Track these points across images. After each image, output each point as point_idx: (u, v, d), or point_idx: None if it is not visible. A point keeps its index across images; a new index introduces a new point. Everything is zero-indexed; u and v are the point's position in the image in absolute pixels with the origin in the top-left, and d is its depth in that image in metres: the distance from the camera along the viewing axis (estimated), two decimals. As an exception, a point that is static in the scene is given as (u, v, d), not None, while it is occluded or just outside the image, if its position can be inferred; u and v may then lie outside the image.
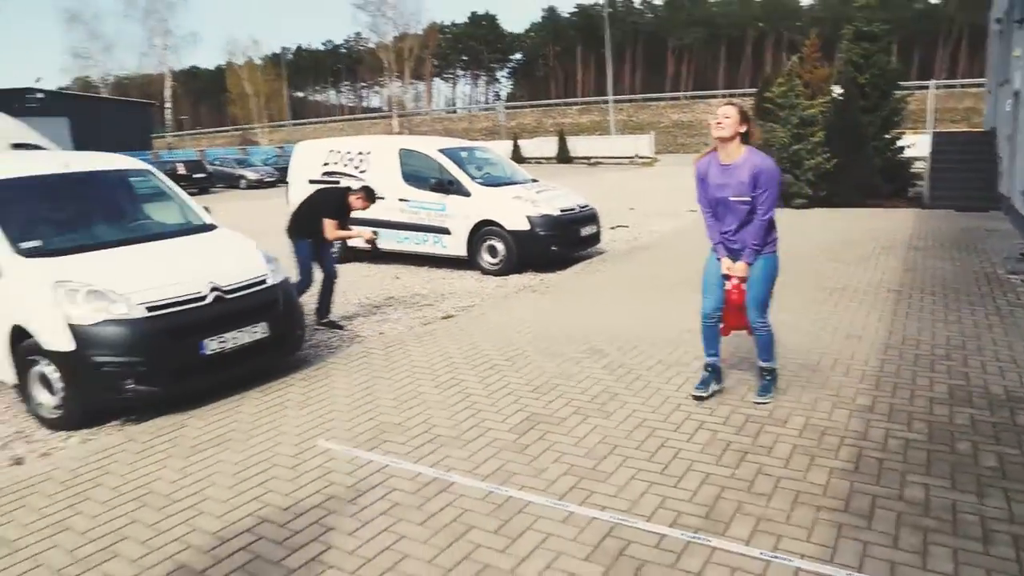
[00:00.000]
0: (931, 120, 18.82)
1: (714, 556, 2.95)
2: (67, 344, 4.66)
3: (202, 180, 29.72)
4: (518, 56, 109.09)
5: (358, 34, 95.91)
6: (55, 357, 4.72)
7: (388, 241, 10.23)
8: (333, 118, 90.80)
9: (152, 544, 3.30)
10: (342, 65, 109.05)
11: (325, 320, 7.19)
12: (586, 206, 10.44)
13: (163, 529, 3.43)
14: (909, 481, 3.48)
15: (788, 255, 9.07)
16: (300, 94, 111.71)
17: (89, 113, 41.92)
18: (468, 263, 9.83)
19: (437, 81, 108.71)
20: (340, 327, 7.14)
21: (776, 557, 2.91)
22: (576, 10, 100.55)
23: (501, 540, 3.17)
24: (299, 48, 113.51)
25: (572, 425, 4.38)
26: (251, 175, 32.27)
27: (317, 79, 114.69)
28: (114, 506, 3.68)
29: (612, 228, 13.30)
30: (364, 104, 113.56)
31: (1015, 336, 5.72)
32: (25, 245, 5.13)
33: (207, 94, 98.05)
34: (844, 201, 15.41)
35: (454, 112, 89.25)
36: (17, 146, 10.07)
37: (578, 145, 40.59)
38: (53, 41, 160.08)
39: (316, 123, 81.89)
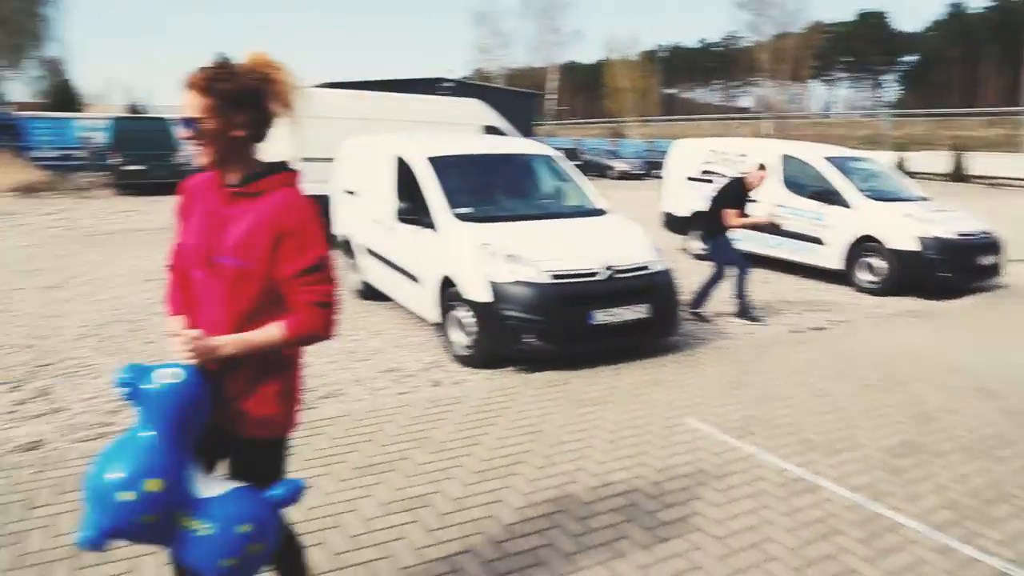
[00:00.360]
0: None
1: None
2: (485, 296, 5.57)
3: (577, 167, 32.07)
4: (911, 58, 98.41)
5: (735, 32, 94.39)
6: (473, 306, 5.66)
7: (761, 244, 10.20)
8: (702, 116, 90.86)
9: (546, 471, 3.90)
10: (715, 63, 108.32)
11: (697, 310, 7.49)
12: (988, 233, 9.35)
13: (553, 462, 4.02)
14: None
15: None
16: (671, 91, 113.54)
17: (486, 99, 47.29)
18: (841, 277, 9.42)
19: (814, 83, 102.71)
20: (707, 320, 7.39)
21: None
22: (992, 3, 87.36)
23: (867, 550, 3.20)
24: (675, 46, 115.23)
25: (956, 461, 4.14)
26: (620, 166, 33.94)
27: (690, 77, 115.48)
28: (513, 434, 4.38)
29: (1015, 260, 11.64)
30: (733, 103, 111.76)
31: None
32: (460, 211, 6.20)
33: (585, 87, 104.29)
34: None
35: (830, 117, 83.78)
36: (488, 129, 12.89)
37: (977, 162, 35.41)
38: (461, 38, 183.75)
39: (685, 120, 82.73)
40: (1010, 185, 32.32)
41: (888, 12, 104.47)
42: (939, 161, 35.47)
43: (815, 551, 3.19)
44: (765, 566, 3.08)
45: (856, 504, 3.61)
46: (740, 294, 7.49)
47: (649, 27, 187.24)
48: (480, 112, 13.92)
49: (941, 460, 4.14)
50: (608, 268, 5.74)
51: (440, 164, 6.58)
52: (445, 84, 46.30)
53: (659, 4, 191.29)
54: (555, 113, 69.84)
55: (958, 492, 3.76)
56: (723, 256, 7.48)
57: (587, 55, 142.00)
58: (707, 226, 7.72)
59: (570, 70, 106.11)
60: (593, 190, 7.26)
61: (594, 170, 33.89)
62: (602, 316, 5.63)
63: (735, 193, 7.43)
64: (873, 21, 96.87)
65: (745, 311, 7.48)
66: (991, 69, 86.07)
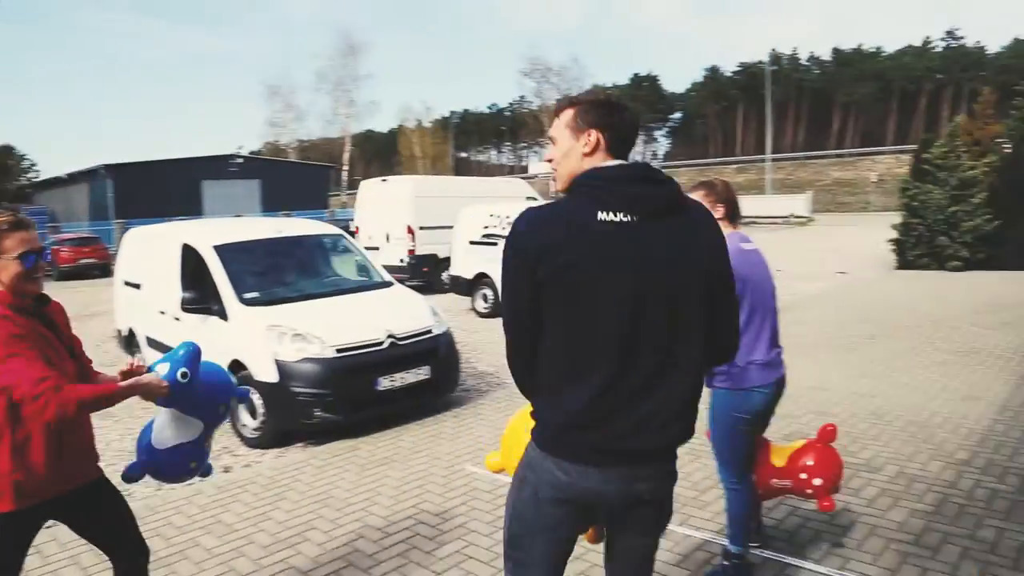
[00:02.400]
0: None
1: (784, 571, 3.48)
2: (272, 376, 5.84)
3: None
4: (677, 115, 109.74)
5: (522, 97, 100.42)
6: (262, 387, 5.90)
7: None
8: (453, 178, 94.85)
9: (332, 534, 4.24)
10: (505, 127, 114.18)
11: None
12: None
13: (341, 524, 4.36)
14: (985, 524, 3.82)
15: (930, 318, 9.22)
16: (464, 155, 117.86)
17: (277, 175, 46.92)
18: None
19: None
20: None
21: (842, 573, 3.40)
22: (739, 68, 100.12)
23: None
24: (465, 111, 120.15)
25: (684, 461, 4.97)
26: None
27: (481, 140, 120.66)
28: (304, 504, 4.67)
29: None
30: (523, 164, 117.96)
31: None
32: (248, 295, 6.44)
33: (380, 155, 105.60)
34: (1004, 264, 14.78)
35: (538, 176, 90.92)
36: (529, 198, 16.44)
37: (730, 204, 40.35)
38: (255, 112, 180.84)
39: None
40: (755, 222, 37.34)
41: (658, 75, 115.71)
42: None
43: (575, 567, 3.78)
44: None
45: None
46: None
47: (442, 94, 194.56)
48: (522, 187, 18.18)
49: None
50: (390, 336, 6.22)
51: (226, 251, 6.76)
52: (234, 161, 45.44)
53: (451, 73, 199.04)
54: (350, 183, 70.18)
55: (681, 487, 4.55)
56: None
57: (383, 123, 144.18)
58: None
59: (366, 139, 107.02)
60: (377, 264, 7.76)
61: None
62: (386, 382, 6.08)
63: None
64: (646, 83, 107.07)
65: None
66: (741, 123, 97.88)
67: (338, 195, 61.95)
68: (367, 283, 7.41)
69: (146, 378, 2.44)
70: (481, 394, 7.24)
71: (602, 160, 1.94)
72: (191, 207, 36.43)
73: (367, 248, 17.01)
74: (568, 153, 1.98)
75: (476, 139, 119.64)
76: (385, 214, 15.48)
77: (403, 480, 4.98)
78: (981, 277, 13.98)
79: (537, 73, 64.42)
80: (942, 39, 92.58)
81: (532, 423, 2.00)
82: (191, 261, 6.89)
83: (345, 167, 61.00)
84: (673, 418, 1.91)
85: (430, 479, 4.97)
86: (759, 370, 3.16)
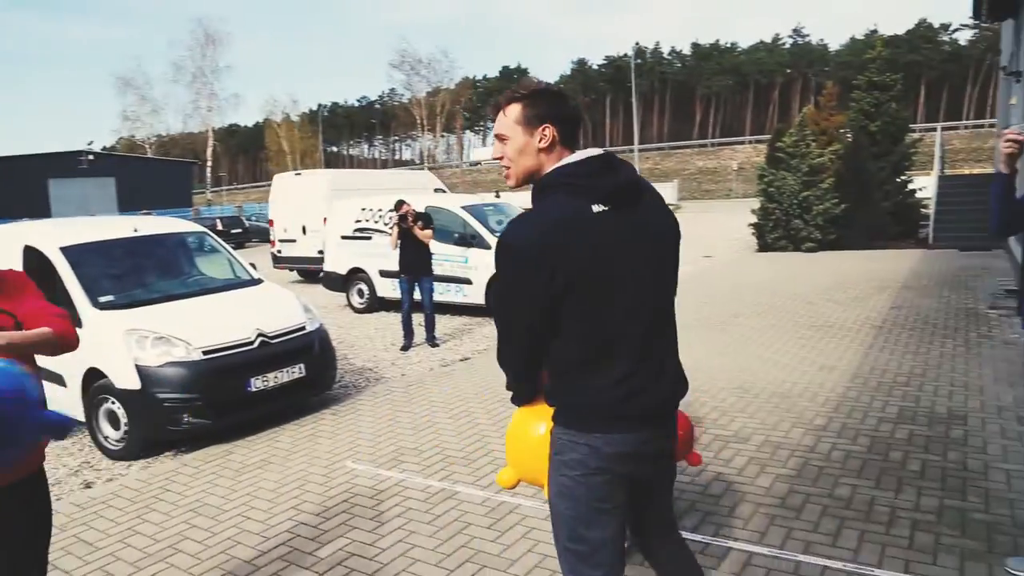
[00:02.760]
0: (938, 163, 19.31)
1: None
2: (135, 383, 5.48)
3: (239, 235, 31.14)
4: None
5: (392, 90, 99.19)
6: (123, 395, 5.53)
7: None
8: (366, 171, 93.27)
9: (207, 543, 4.03)
10: (376, 120, 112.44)
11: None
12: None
13: (216, 532, 4.15)
14: (841, 483, 4.10)
15: (789, 296, 9.77)
16: (334, 149, 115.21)
17: (134, 172, 44.26)
18: (487, 310, 10.59)
19: (468, 134, 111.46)
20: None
21: (714, 540, 3.55)
22: (605, 61, 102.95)
23: (492, 532, 3.86)
24: (335, 104, 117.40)
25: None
26: (289, 230, 33.63)
27: (352, 134, 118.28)
28: (174, 516, 4.42)
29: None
30: (396, 157, 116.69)
31: (973, 364, 6.31)
32: (103, 299, 6.01)
33: (245, 150, 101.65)
34: (852, 244, 15.98)
35: (481, 164, 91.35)
36: (437, 190, 16.95)
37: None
38: (107, 105, 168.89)
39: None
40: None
41: (528, 68, 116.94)
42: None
43: (452, 544, 3.77)
44: (412, 568, 3.57)
45: (486, 498, 4.28)
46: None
47: (310, 89, 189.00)
48: (431, 179, 18.41)
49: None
50: (260, 335, 5.97)
51: (76, 252, 6.27)
52: (84, 158, 42.38)
53: (319, 65, 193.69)
54: (214, 180, 67.09)
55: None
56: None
57: (248, 117, 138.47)
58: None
59: (230, 134, 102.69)
60: (244, 262, 7.43)
61: (260, 235, 33.20)
62: (259, 382, 5.84)
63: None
64: (516, 76, 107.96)
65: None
66: (609, 114, 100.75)
67: (203, 192, 59.13)
68: (234, 282, 7.08)
69: None
70: (359, 390, 7.10)
71: (559, 154, 2.01)
72: (36, 208, 33.76)
73: (283, 240, 17.08)
74: (523, 150, 2.02)
75: (347, 132, 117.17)
76: (301, 207, 15.96)
77: (280, 483, 4.80)
78: (832, 257, 15.04)
79: (407, 65, 63.88)
80: (790, 36, 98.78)
81: (531, 426, 2.18)
82: (35, 265, 6.35)
83: (209, 163, 58.25)
84: (678, 378, 2.16)
85: (309, 479, 4.82)
86: None
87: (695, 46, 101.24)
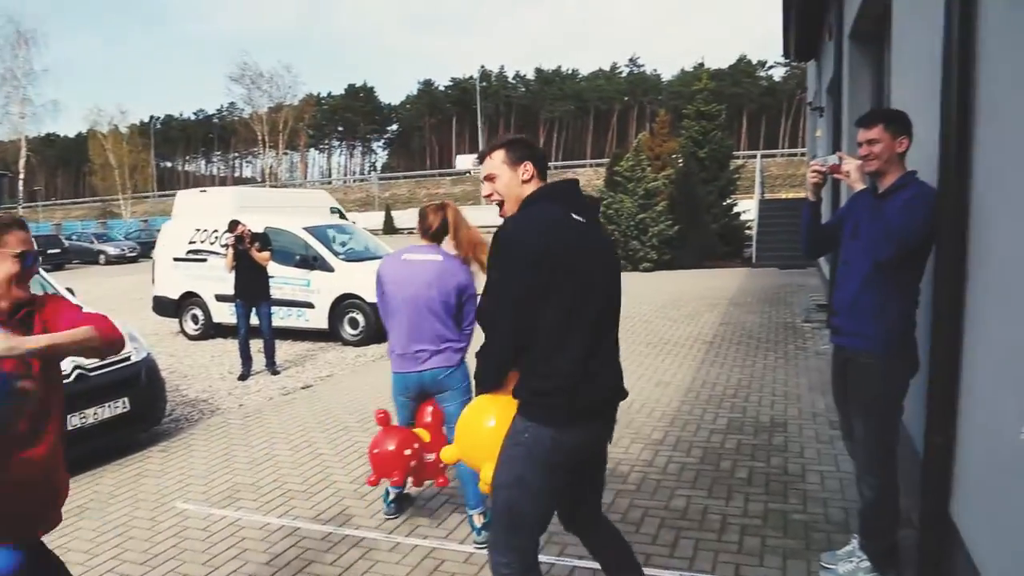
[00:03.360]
0: (759, 187, 20.98)
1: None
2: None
3: (57, 256, 28.51)
4: (394, 127, 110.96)
5: (232, 104, 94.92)
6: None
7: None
8: (269, 189, 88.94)
9: (11, 603, 3.60)
10: (214, 135, 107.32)
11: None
12: None
13: (22, 590, 3.72)
14: (676, 494, 4.28)
15: (626, 315, 10.10)
16: (168, 164, 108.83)
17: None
18: (330, 335, 10.30)
19: (312, 152, 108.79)
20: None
21: (559, 560, 3.59)
22: (451, 83, 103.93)
23: (335, 568, 3.70)
24: (169, 117, 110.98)
25: (411, 472, 4.97)
26: (111, 250, 31.26)
27: (188, 149, 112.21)
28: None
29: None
30: (236, 174, 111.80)
31: (792, 375, 6.83)
32: None
33: (66, 163, 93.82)
34: (685, 264, 16.97)
35: (329, 183, 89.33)
36: (333, 209, 18.54)
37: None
38: None
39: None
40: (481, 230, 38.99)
41: (374, 86, 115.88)
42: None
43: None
44: (241, 617, 3.35)
45: (328, 533, 4.11)
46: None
47: (140, 97, 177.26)
48: (327, 198, 20.16)
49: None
50: (77, 367, 5.45)
51: None
52: None
53: (151, 75, 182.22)
54: (28, 194, 61.32)
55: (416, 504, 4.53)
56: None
57: (69, 127, 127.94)
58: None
59: (48, 144, 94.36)
60: (59, 286, 6.78)
61: (81, 256, 30.70)
62: (76, 419, 5.32)
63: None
64: (361, 94, 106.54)
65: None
66: (455, 136, 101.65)
67: (14, 207, 53.77)
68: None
69: None
70: (192, 423, 6.65)
71: (536, 184, 2.48)
72: None
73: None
74: (510, 183, 2.48)
75: (182, 147, 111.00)
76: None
77: (100, 530, 4.38)
78: (667, 276, 15.88)
79: (247, 79, 61.38)
80: (627, 66, 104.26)
81: (486, 416, 2.48)
82: None
83: (21, 175, 53.13)
84: (620, 372, 2.57)
85: (133, 525, 4.43)
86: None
87: (538, 71, 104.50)
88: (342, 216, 19.98)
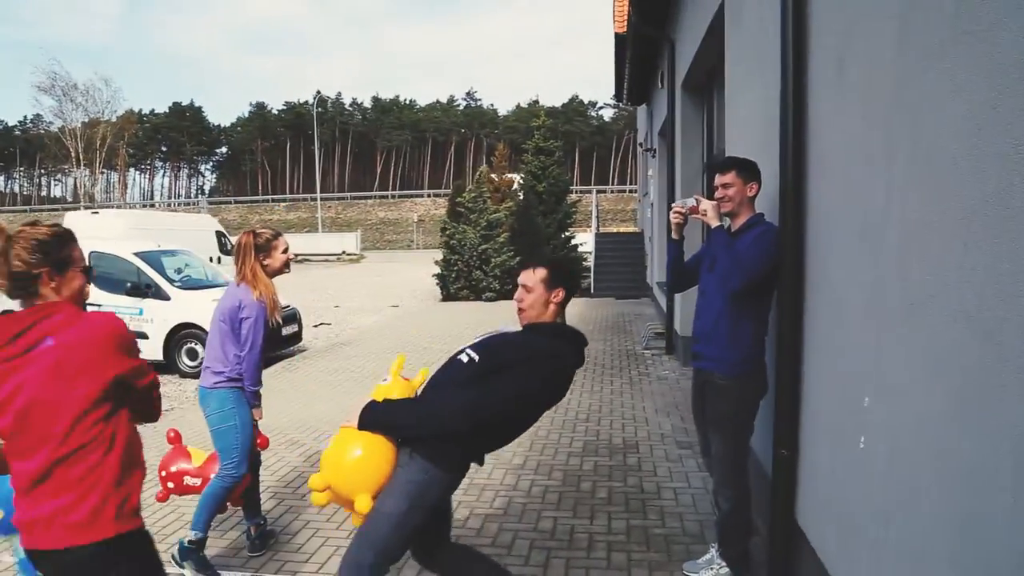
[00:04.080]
0: (595, 221, 22.07)
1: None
2: None
3: None
4: (224, 149, 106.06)
5: (38, 116, 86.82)
6: None
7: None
8: (4, 208, 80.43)
9: None
10: (16, 148, 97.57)
11: None
12: (287, 306, 10.86)
13: None
14: (543, 516, 4.44)
15: (471, 342, 10.12)
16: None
17: None
18: (166, 367, 9.69)
19: (133, 171, 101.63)
20: None
21: (436, 588, 3.62)
22: (285, 107, 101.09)
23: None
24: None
25: (270, 507, 4.80)
26: None
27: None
28: None
29: (315, 326, 13.81)
30: (43, 193, 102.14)
31: (638, 399, 7.26)
32: None
33: None
34: (526, 292, 17.47)
35: (152, 206, 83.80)
36: (218, 233, 18.77)
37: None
38: None
39: (-20, 215, 71.72)
40: (309, 260, 38.08)
41: (202, 106, 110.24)
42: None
43: None
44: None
45: (186, 580, 3.88)
46: None
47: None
48: (210, 221, 20.84)
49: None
50: None
51: None
52: None
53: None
54: None
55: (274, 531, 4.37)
56: None
57: None
58: None
59: None
60: None
61: None
62: None
63: None
64: (188, 113, 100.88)
65: None
66: (289, 161, 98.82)
67: None
68: None
69: None
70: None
71: (556, 310, 2.89)
72: None
73: None
74: (537, 299, 2.84)
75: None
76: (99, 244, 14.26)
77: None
78: (509, 305, 16.20)
79: (58, 90, 56.51)
80: (464, 99, 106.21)
81: (355, 446, 2.59)
82: None
83: None
84: None
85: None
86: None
87: (375, 100, 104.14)
88: (223, 240, 19.66)
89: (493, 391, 2.57)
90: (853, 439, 2.55)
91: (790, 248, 3.18)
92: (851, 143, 2.63)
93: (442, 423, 2.55)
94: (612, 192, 66.46)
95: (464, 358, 2.78)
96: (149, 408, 2.31)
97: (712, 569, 3.51)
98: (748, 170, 3.41)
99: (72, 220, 15.99)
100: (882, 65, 2.34)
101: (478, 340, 2.87)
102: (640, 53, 11.69)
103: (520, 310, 2.88)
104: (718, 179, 3.43)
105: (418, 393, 2.76)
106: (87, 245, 12.03)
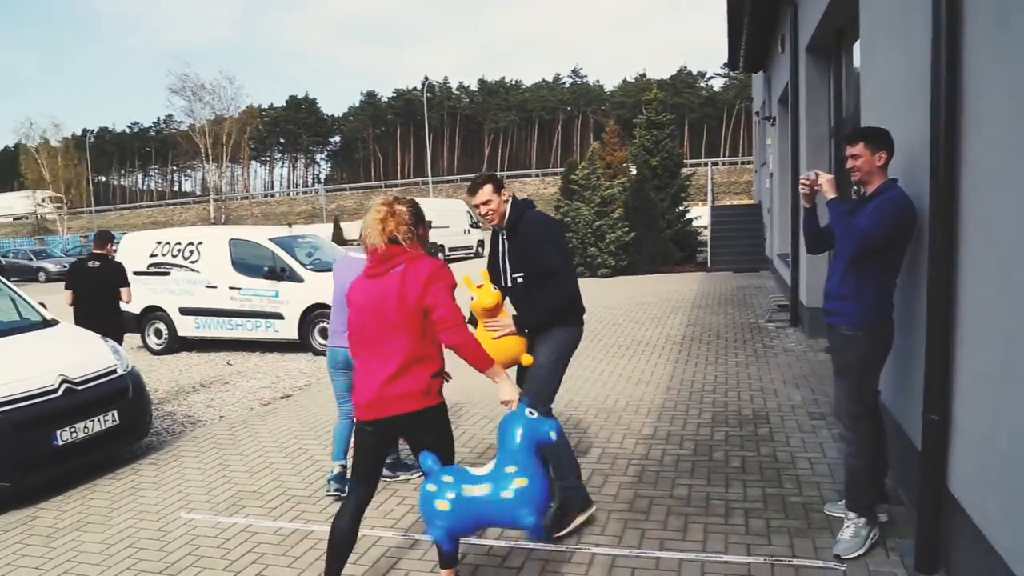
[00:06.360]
0: (711, 194, 21.54)
1: (532, 555, 3.75)
2: (-91, 445, 4.78)
3: (-2, 276, 27.57)
4: (337, 139, 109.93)
5: (170, 116, 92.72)
6: None
7: (219, 329, 10.65)
8: (141, 204, 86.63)
9: (30, 616, 3.60)
10: (151, 148, 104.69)
11: None
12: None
13: (37, 605, 3.72)
14: (677, 484, 4.50)
15: (594, 319, 10.37)
16: (103, 178, 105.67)
17: None
18: (301, 345, 10.28)
19: (254, 164, 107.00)
20: None
21: (578, 548, 3.76)
22: (394, 94, 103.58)
23: (360, 568, 3.80)
24: (103, 130, 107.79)
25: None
26: (51, 267, 30.28)
27: (122, 162, 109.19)
28: (-18, 591, 3.89)
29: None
30: (175, 188, 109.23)
31: (765, 371, 7.14)
32: None
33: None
34: (642, 269, 17.34)
35: (273, 195, 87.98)
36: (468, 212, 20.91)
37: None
38: None
39: (122, 209, 77.53)
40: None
41: (316, 98, 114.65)
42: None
43: (316, 587, 3.65)
44: (274, 617, 3.41)
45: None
46: None
47: (72, 110, 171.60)
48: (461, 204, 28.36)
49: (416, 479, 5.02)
50: (65, 382, 5.41)
51: None
52: None
53: (84, 87, 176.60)
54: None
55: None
56: None
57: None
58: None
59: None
60: (33, 302, 6.68)
61: (20, 274, 29.72)
62: (67, 435, 5.27)
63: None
64: (303, 106, 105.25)
65: None
66: (399, 147, 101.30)
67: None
68: (24, 324, 6.35)
69: None
70: (176, 436, 6.61)
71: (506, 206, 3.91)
72: None
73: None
74: (498, 206, 3.86)
75: (116, 161, 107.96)
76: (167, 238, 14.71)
77: (107, 543, 4.36)
78: (626, 281, 16.23)
79: (188, 91, 59.98)
80: (569, 76, 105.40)
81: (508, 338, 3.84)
82: None
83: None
84: None
85: (141, 536, 4.42)
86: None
87: (482, 82, 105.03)
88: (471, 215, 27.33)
89: (559, 262, 3.80)
90: (1020, 405, 2.48)
91: (941, 210, 3.08)
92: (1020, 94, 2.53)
93: (567, 295, 3.82)
94: (724, 164, 64.51)
95: (519, 280, 3.92)
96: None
97: (849, 527, 3.48)
98: (877, 139, 3.48)
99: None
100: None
101: (510, 268, 3.96)
102: (758, 17, 11.30)
103: (491, 220, 3.89)
104: (847, 150, 3.54)
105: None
106: (167, 235, 12.56)
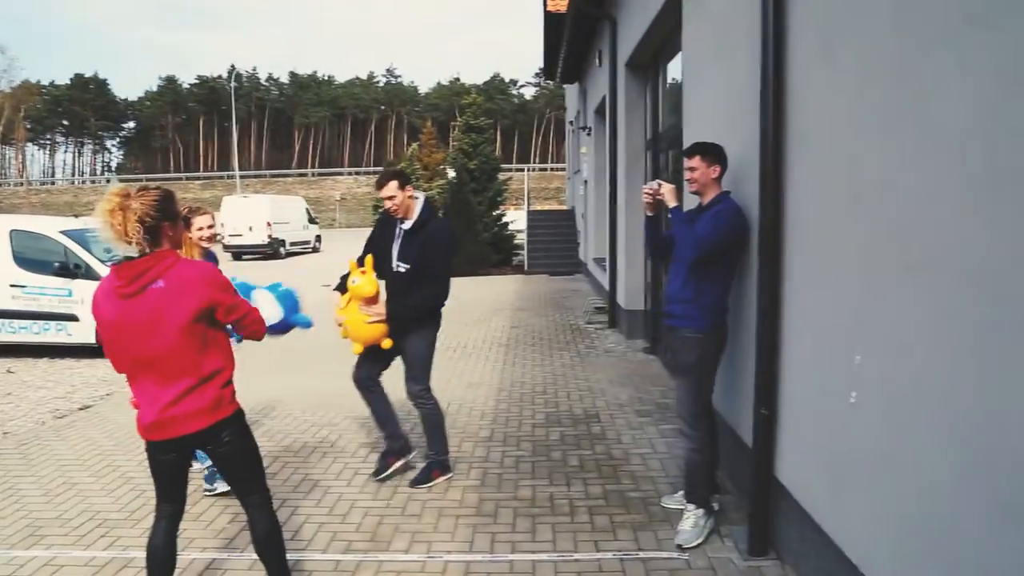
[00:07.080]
0: (527, 199, 22.19)
1: (383, 567, 3.63)
2: None
3: None
4: (131, 125, 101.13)
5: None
6: None
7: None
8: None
9: None
10: None
11: None
12: None
13: None
14: (521, 485, 4.56)
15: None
16: None
17: None
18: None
19: (31, 147, 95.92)
20: None
21: (431, 557, 3.69)
22: (197, 81, 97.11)
23: (191, 595, 3.48)
24: None
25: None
26: None
27: None
28: None
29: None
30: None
31: (590, 371, 7.45)
32: None
33: None
34: (460, 271, 17.48)
35: (54, 183, 79.37)
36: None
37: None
38: None
39: None
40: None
41: (107, 78, 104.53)
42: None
43: None
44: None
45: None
46: None
47: None
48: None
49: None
50: None
51: None
52: None
53: None
54: None
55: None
56: None
57: None
58: None
59: None
60: None
61: None
62: None
63: None
64: (92, 86, 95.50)
65: None
66: (204, 138, 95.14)
67: None
68: None
69: None
70: None
71: (411, 202, 4.38)
72: None
73: (232, 236, 26.15)
74: (402, 201, 4.30)
75: None
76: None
77: None
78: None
79: (-54, 60, 52.61)
80: (384, 75, 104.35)
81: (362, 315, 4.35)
82: None
83: None
84: None
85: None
86: None
87: (293, 75, 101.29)
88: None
89: (446, 269, 4.41)
90: (840, 395, 2.75)
91: (770, 216, 3.37)
92: (840, 117, 2.80)
93: (442, 296, 4.41)
94: (535, 170, 66.78)
95: (402, 269, 4.34)
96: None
97: (689, 518, 3.71)
98: (712, 153, 3.77)
99: (227, 203, 20.47)
100: (876, 44, 2.51)
101: (397, 256, 4.36)
102: (577, 31, 11.78)
103: (396, 213, 4.30)
104: (685, 163, 3.81)
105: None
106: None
